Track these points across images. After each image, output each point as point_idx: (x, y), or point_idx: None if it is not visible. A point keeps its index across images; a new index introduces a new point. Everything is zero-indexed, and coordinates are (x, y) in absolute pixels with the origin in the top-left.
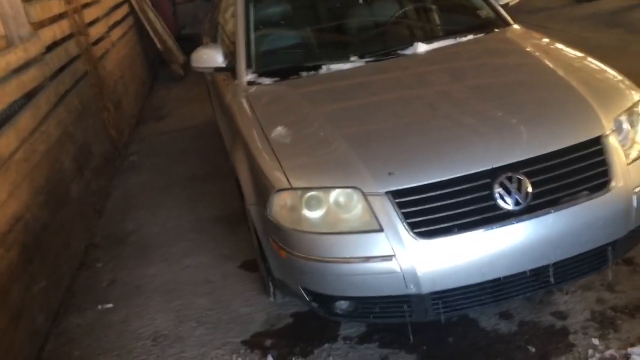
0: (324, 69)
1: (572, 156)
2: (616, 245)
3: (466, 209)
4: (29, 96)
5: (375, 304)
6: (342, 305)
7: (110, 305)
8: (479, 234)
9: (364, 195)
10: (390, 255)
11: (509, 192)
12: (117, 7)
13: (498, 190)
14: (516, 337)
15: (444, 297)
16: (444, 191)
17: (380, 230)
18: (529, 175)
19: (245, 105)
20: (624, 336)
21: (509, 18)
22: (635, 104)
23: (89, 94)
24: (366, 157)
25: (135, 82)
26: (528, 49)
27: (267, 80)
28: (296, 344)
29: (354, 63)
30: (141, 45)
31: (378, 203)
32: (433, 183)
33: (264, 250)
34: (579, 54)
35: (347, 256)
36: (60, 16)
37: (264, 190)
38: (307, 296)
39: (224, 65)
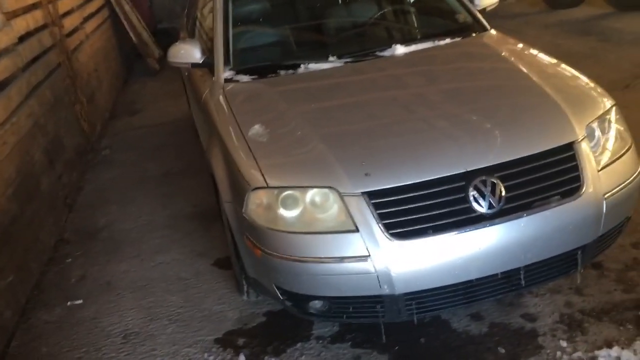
0: (303, 68)
1: (544, 161)
2: (585, 250)
3: (441, 211)
4: (0, 87)
5: (349, 304)
6: (316, 304)
7: (79, 301)
8: (452, 236)
9: (340, 196)
10: (365, 256)
11: (483, 196)
12: None
13: (472, 193)
14: (487, 339)
15: (417, 298)
16: (419, 193)
17: (356, 230)
18: (502, 179)
19: (223, 102)
20: (591, 339)
21: (486, 23)
22: (606, 112)
23: (62, 86)
24: (343, 157)
25: (109, 75)
26: (504, 54)
27: (245, 78)
28: (269, 343)
29: (332, 63)
30: (116, 38)
31: (354, 203)
32: (409, 185)
33: (238, 248)
34: (553, 61)
35: (322, 256)
36: (34, 6)
37: (240, 189)
38: (281, 295)
39: (201, 61)
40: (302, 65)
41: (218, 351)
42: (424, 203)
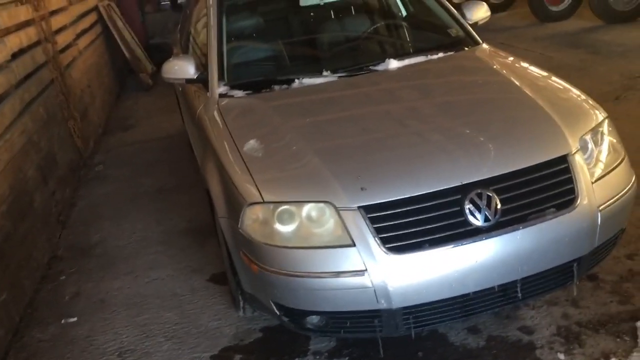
0: (297, 83)
1: (539, 174)
2: (581, 262)
3: (437, 224)
4: None
5: (346, 319)
6: (313, 319)
7: (74, 319)
8: (449, 249)
9: (337, 210)
10: (362, 270)
11: (479, 209)
12: (85, 14)
13: (468, 206)
14: (484, 352)
15: (414, 312)
16: (415, 207)
17: (352, 245)
18: (498, 192)
19: (217, 117)
20: (588, 351)
21: (478, 37)
22: (599, 124)
23: (55, 103)
24: (338, 172)
25: (102, 91)
26: (496, 68)
27: (239, 93)
28: (266, 359)
29: (326, 78)
30: (109, 53)
31: (350, 218)
32: (405, 198)
33: (234, 264)
34: (545, 73)
35: (319, 271)
36: (27, 23)
37: (236, 204)
38: (277, 310)
39: (195, 77)
40: (296, 80)
41: None
42: (420, 217)
